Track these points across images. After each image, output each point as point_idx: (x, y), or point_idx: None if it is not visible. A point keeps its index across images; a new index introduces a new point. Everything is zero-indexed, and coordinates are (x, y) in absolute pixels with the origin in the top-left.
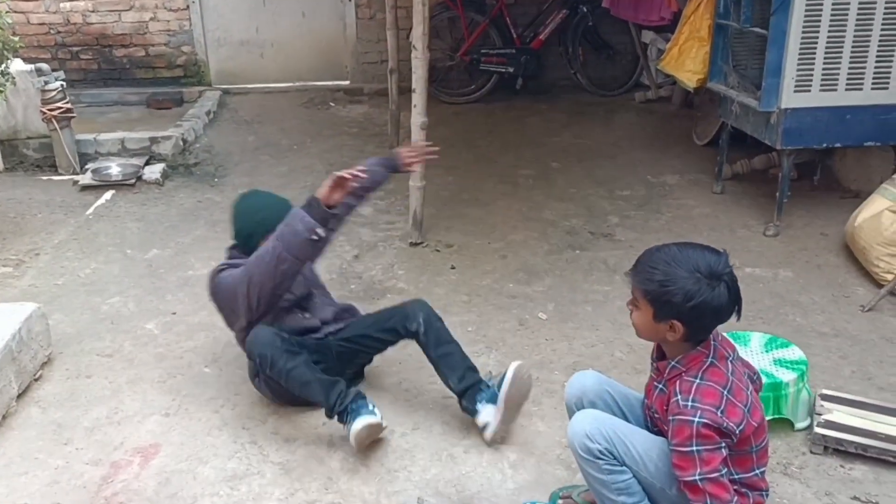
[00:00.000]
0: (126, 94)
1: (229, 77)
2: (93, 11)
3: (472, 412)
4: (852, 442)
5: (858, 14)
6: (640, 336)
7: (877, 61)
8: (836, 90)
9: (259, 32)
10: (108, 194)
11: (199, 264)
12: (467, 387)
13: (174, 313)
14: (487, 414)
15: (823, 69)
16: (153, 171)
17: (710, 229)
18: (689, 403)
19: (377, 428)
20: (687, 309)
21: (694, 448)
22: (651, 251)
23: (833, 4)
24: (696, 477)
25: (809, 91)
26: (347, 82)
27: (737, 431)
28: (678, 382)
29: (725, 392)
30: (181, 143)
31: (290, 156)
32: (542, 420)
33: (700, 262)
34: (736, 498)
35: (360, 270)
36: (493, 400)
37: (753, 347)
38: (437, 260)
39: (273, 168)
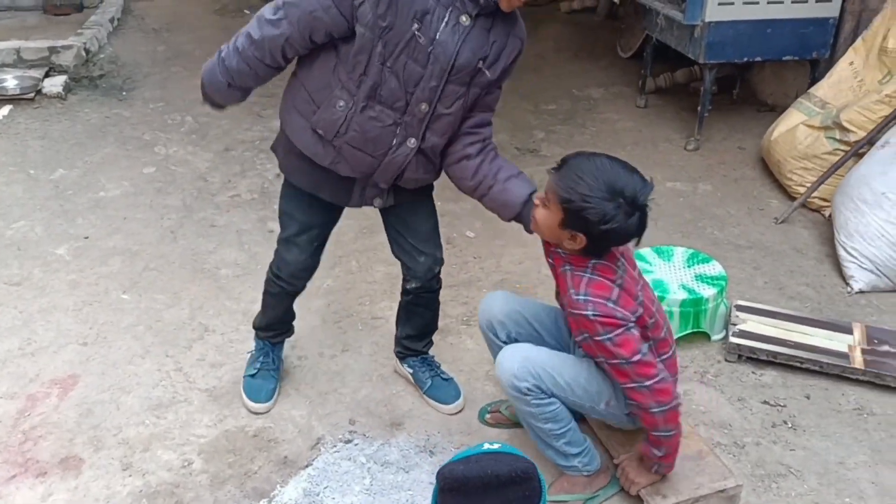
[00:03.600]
0: None
1: None
2: None
3: (418, 380)
4: (763, 350)
5: None
6: (535, 231)
7: None
8: (758, 3)
9: None
10: (5, 109)
11: (110, 185)
12: (417, 350)
13: (86, 238)
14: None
15: None
16: (54, 84)
17: (633, 143)
18: (581, 297)
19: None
20: (598, 230)
21: (603, 338)
22: (581, 158)
23: None
24: (620, 361)
25: (733, 4)
26: None
27: (633, 318)
28: (569, 276)
29: (615, 286)
30: (84, 53)
31: (202, 60)
32: (470, 338)
33: (626, 187)
34: (664, 373)
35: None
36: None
37: (676, 262)
38: None
39: (186, 80)
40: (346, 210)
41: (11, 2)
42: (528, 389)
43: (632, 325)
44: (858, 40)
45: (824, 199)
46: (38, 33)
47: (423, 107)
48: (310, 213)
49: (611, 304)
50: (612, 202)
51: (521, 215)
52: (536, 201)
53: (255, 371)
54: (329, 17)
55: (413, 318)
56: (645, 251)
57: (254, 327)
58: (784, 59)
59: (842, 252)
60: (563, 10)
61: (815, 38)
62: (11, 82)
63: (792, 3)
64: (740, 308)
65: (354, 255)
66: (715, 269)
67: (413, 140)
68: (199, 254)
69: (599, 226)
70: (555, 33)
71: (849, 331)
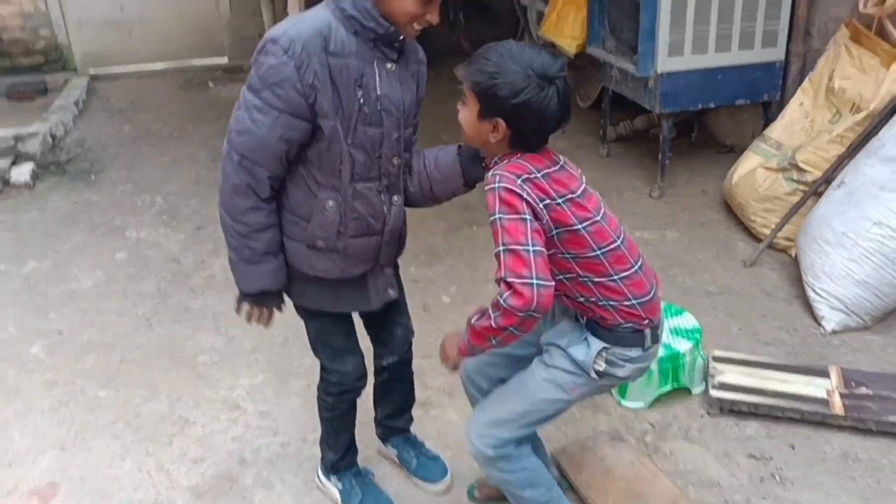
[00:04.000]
0: None
1: (96, 60)
2: None
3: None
4: (744, 402)
5: None
6: (466, 139)
7: (742, 22)
8: (706, 52)
9: (125, 10)
10: None
11: (82, 275)
12: (400, 427)
13: (60, 333)
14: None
15: (694, 33)
16: (21, 173)
17: (599, 194)
18: (493, 172)
19: None
20: (511, 106)
21: (497, 216)
22: (489, 46)
23: None
24: (499, 248)
25: (682, 55)
26: (226, 59)
27: (540, 206)
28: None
29: (538, 173)
30: (50, 138)
31: (171, 144)
32: (454, 410)
33: (535, 61)
34: (541, 285)
35: None
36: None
37: None
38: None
39: (154, 159)
40: None
41: None
42: (495, 455)
43: (530, 216)
44: (806, 81)
45: (789, 240)
46: (3, 120)
47: (396, 161)
48: (343, 326)
49: (519, 181)
50: (522, 73)
51: (463, 166)
52: (458, 105)
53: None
54: (298, 132)
55: (391, 395)
56: None
57: (330, 470)
58: (737, 103)
59: (811, 293)
60: None
61: (764, 81)
62: None
63: (739, 50)
64: (717, 359)
65: None
66: (689, 321)
67: (397, 197)
68: (176, 341)
69: (511, 100)
70: None
71: (825, 374)
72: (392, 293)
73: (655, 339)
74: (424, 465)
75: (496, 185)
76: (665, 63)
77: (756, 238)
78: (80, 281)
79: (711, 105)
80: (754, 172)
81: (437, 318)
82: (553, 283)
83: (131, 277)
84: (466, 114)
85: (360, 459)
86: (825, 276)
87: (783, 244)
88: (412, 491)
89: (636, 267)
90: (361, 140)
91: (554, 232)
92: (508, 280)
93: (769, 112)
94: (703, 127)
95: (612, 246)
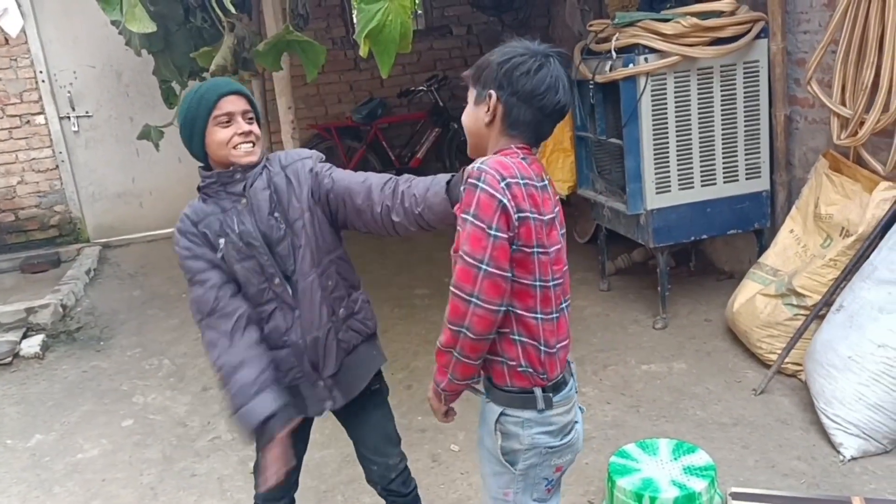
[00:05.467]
0: None
1: (108, 230)
2: None
3: None
4: None
5: (700, 120)
6: (469, 141)
7: (724, 157)
8: (693, 188)
9: (136, 182)
10: None
11: (88, 445)
12: None
13: None
14: None
15: (679, 170)
16: (31, 345)
17: (603, 329)
18: (478, 165)
19: None
20: (502, 72)
21: (469, 216)
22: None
23: (676, 114)
24: (459, 252)
25: (670, 191)
26: None
27: (515, 217)
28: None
29: (522, 181)
30: (61, 309)
31: (179, 306)
32: None
33: (530, 44)
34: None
35: None
36: None
37: (662, 456)
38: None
39: (162, 322)
40: (326, 439)
41: None
42: None
43: (499, 232)
44: (793, 209)
45: (797, 364)
46: (16, 294)
47: (277, 280)
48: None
49: (503, 185)
50: (515, 48)
51: (451, 194)
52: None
53: None
54: (218, 274)
55: None
56: (630, 448)
57: None
58: (729, 233)
59: (825, 420)
60: None
61: (753, 210)
62: None
63: (724, 183)
64: (736, 496)
65: (339, 489)
66: (702, 458)
67: (298, 311)
68: None
69: (503, 66)
70: None
71: None
72: (329, 405)
73: (549, 403)
74: None
75: (479, 182)
76: (654, 200)
77: (764, 364)
78: (85, 451)
79: (704, 237)
80: (754, 300)
81: (447, 469)
82: (497, 309)
83: (137, 444)
84: (466, 110)
85: None
86: (837, 401)
87: (792, 369)
88: None
89: (556, 314)
90: (244, 274)
91: (513, 246)
92: (452, 289)
93: (762, 239)
94: (700, 255)
95: (548, 284)
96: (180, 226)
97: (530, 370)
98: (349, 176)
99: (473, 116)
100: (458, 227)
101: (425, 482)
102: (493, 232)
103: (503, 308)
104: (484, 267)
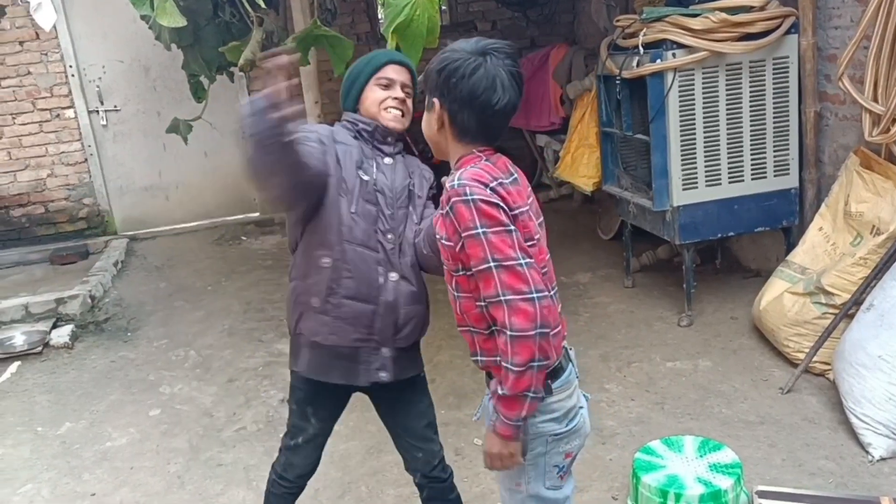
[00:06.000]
0: (28, 254)
1: (135, 223)
2: None
3: None
4: None
5: (728, 116)
6: (432, 147)
7: (752, 154)
8: (720, 184)
9: (162, 176)
10: (14, 367)
11: (116, 433)
12: None
13: (93, 494)
14: None
15: (706, 167)
16: (61, 335)
17: (627, 326)
18: (456, 182)
19: None
20: (441, 80)
21: (479, 230)
22: None
23: (704, 110)
24: (487, 265)
25: (697, 188)
26: (257, 214)
27: (510, 215)
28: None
29: (495, 182)
30: (89, 300)
31: (205, 298)
32: None
33: (469, 42)
34: (546, 296)
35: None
36: None
37: (688, 453)
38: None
39: (189, 314)
40: (351, 431)
41: (20, 257)
42: None
43: (514, 227)
44: (823, 207)
45: (825, 363)
46: (46, 285)
47: (390, 237)
48: (319, 414)
49: (489, 190)
50: (456, 50)
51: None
52: None
53: None
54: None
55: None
56: (655, 444)
57: None
58: (756, 230)
59: (854, 419)
60: (541, 200)
61: (780, 208)
62: (20, 339)
63: (752, 180)
64: (762, 494)
65: (363, 480)
66: (728, 456)
67: (394, 274)
68: (208, 498)
69: (441, 74)
70: None
71: None
72: (384, 376)
73: (549, 390)
74: None
75: (468, 196)
76: (680, 197)
77: (791, 363)
78: (114, 440)
79: (731, 234)
80: (781, 298)
81: (470, 462)
82: (550, 294)
83: (164, 434)
84: (424, 115)
85: None
86: (866, 401)
87: (820, 368)
88: None
89: (551, 293)
90: (361, 211)
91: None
92: (507, 298)
93: (790, 237)
94: (726, 252)
95: (544, 270)
96: (331, 128)
97: None
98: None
99: (427, 123)
100: (470, 249)
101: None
102: (510, 227)
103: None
104: (523, 261)
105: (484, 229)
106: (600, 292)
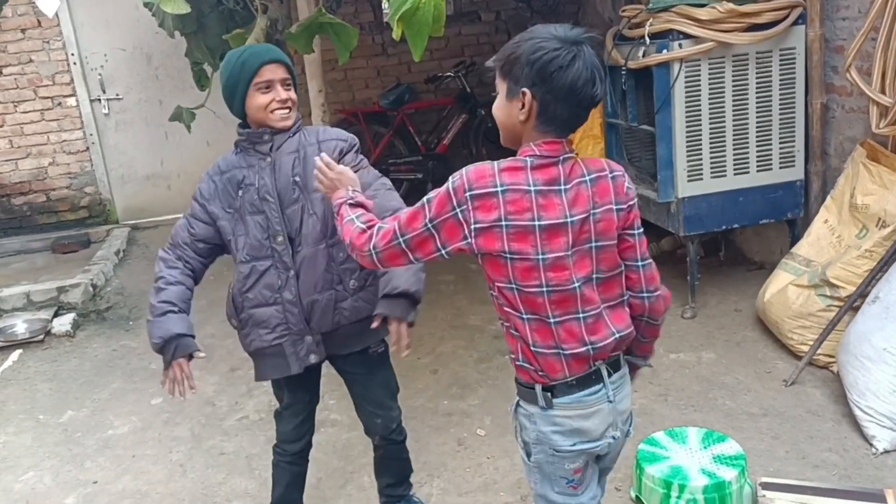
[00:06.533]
0: (29, 242)
1: (137, 212)
2: None
3: None
4: None
5: (734, 107)
6: (502, 133)
7: (757, 146)
8: (725, 176)
9: (164, 165)
10: (16, 355)
11: (118, 422)
12: (400, 494)
13: (95, 482)
14: None
15: (711, 158)
16: (63, 323)
17: None
18: (466, 168)
19: None
20: (535, 70)
21: (426, 203)
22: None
23: (710, 101)
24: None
25: (702, 179)
26: None
27: (469, 212)
28: None
29: (500, 188)
30: (91, 288)
31: (206, 287)
32: None
33: (557, 29)
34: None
35: None
36: None
37: (691, 444)
38: None
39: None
40: (353, 421)
41: (22, 246)
42: None
43: (455, 212)
44: (828, 199)
45: (829, 356)
46: (48, 273)
47: (280, 239)
48: (289, 386)
49: (468, 195)
50: (542, 39)
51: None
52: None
53: None
54: (205, 229)
55: (388, 469)
56: (658, 436)
57: None
58: (761, 222)
59: (858, 412)
60: None
61: (786, 200)
62: (21, 327)
63: (757, 171)
64: (766, 486)
65: (366, 469)
66: (732, 447)
67: (291, 272)
68: (210, 486)
69: (534, 63)
70: None
71: (881, 499)
72: (314, 358)
73: (549, 402)
74: None
75: (455, 178)
76: (685, 188)
77: (795, 356)
78: (115, 428)
79: (735, 226)
80: (786, 290)
81: (473, 453)
82: (385, 264)
83: (166, 423)
84: (497, 101)
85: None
86: (870, 393)
87: (824, 360)
88: None
89: (554, 319)
90: (253, 226)
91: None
92: (389, 222)
93: (795, 229)
94: (730, 245)
95: (529, 289)
96: (210, 170)
97: (527, 365)
98: (379, 191)
99: (507, 112)
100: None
101: (451, 465)
102: (434, 227)
103: (374, 253)
104: (414, 235)
105: (428, 200)
106: None
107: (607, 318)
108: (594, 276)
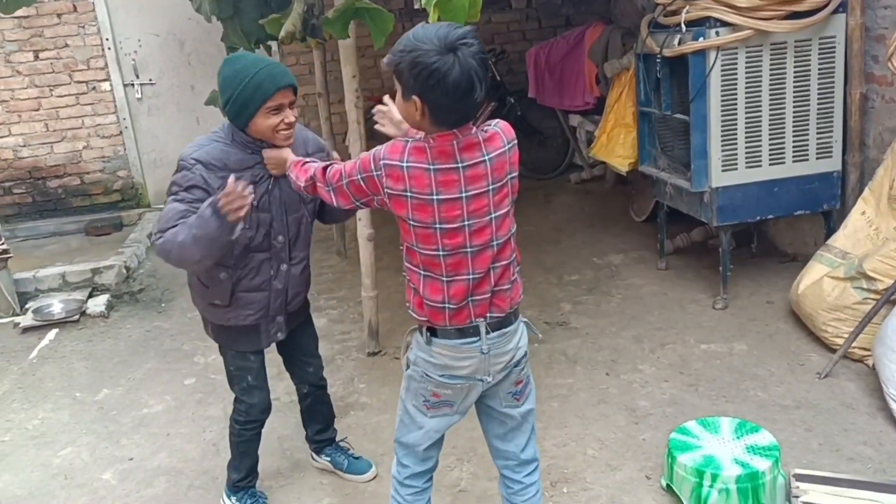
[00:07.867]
0: (63, 224)
1: None
2: (23, 146)
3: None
4: None
5: (771, 96)
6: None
7: (794, 136)
8: (760, 166)
9: None
10: (52, 334)
11: (152, 401)
12: (329, 438)
13: (131, 459)
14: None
15: (746, 148)
16: (97, 304)
17: (660, 308)
18: (384, 146)
19: None
20: (419, 81)
21: (360, 155)
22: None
23: (746, 90)
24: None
25: (736, 169)
26: None
27: (382, 177)
28: None
29: (405, 163)
30: (124, 270)
31: None
32: None
33: (439, 33)
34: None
35: None
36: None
37: (724, 434)
38: (398, 369)
39: None
40: (383, 404)
41: (57, 228)
42: None
43: (366, 177)
44: (866, 190)
45: (865, 349)
46: (81, 255)
47: (280, 238)
48: (253, 365)
49: (382, 162)
50: (424, 48)
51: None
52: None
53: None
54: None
55: (316, 414)
56: (691, 425)
57: (234, 485)
58: (795, 214)
59: (894, 406)
60: (573, 181)
61: (822, 191)
62: (57, 307)
63: (793, 162)
64: (799, 477)
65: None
66: (765, 438)
67: (284, 265)
68: None
69: (417, 75)
70: (567, 204)
71: None
72: (280, 335)
73: (428, 341)
74: (353, 464)
75: (376, 151)
76: (719, 178)
77: (829, 348)
78: (150, 407)
79: (770, 217)
80: (821, 282)
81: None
82: (337, 199)
83: (199, 402)
84: (397, 99)
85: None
86: None
87: (859, 354)
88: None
89: (446, 278)
90: (256, 222)
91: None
92: (337, 164)
93: (830, 221)
94: (762, 236)
95: (430, 251)
96: (205, 158)
97: (414, 308)
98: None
99: (405, 110)
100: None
101: (482, 451)
102: (364, 177)
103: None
104: (349, 179)
105: (360, 160)
106: (633, 274)
107: (492, 279)
108: (493, 242)
